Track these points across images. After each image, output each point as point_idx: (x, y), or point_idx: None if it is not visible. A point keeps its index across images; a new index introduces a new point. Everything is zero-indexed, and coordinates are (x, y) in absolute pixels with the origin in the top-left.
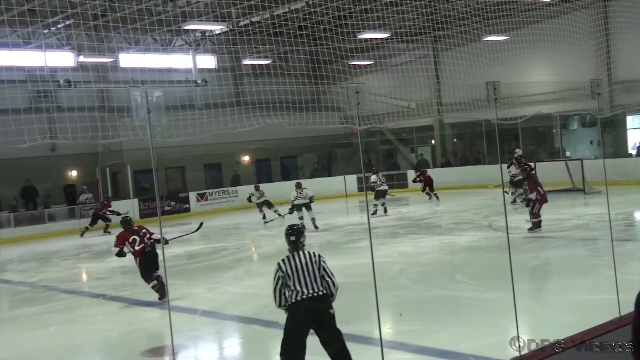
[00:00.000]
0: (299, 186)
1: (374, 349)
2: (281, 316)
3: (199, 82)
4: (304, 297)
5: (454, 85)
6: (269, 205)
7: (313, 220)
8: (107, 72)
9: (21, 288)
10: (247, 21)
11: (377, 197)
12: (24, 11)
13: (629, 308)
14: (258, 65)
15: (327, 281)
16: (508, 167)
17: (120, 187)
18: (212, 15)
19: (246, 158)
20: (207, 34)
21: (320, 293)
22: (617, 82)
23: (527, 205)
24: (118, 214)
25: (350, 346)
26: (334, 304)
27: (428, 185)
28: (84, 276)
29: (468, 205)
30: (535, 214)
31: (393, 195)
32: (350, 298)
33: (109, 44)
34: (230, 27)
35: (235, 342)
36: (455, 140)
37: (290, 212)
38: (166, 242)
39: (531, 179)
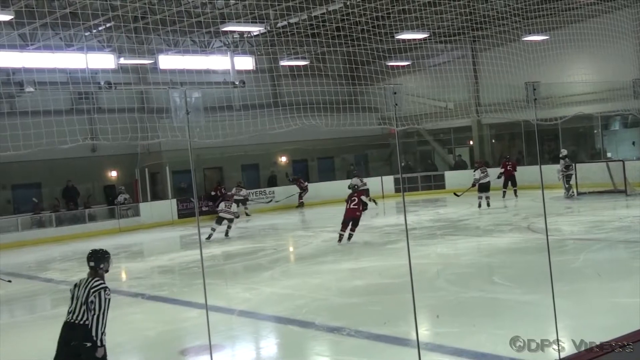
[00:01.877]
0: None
1: (411, 351)
2: (318, 316)
3: (237, 83)
4: (68, 321)
5: (493, 85)
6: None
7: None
8: (146, 74)
9: (62, 287)
10: (285, 22)
11: None
12: (66, 14)
13: None
14: (296, 66)
15: (92, 314)
16: (474, 172)
17: (159, 188)
18: (250, 16)
19: (283, 159)
20: (245, 35)
21: (80, 322)
22: None
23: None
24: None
25: (387, 347)
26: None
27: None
28: (123, 275)
29: (506, 207)
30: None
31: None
32: (387, 299)
33: (148, 46)
34: (268, 28)
35: (271, 342)
36: (493, 141)
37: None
38: None
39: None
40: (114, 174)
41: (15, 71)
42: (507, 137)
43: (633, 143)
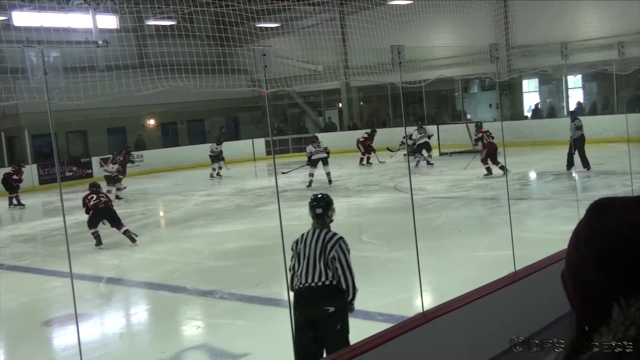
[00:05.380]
0: (315, 140)
1: (283, 311)
2: (190, 280)
3: (100, 42)
4: (301, 286)
5: (360, 48)
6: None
7: (328, 174)
8: None
9: None
10: None
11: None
12: None
13: (523, 263)
14: (162, 26)
15: (339, 275)
16: (411, 133)
17: (17, 153)
18: None
19: (151, 122)
20: None
21: (319, 284)
22: (514, 47)
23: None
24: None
25: (260, 309)
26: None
27: None
28: None
29: (374, 168)
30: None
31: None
32: (260, 261)
33: (0, 0)
34: None
35: (142, 308)
36: (361, 103)
37: (309, 165)
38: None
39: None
40: None
41: None
42: (375, 99)
43: (490, 105)
